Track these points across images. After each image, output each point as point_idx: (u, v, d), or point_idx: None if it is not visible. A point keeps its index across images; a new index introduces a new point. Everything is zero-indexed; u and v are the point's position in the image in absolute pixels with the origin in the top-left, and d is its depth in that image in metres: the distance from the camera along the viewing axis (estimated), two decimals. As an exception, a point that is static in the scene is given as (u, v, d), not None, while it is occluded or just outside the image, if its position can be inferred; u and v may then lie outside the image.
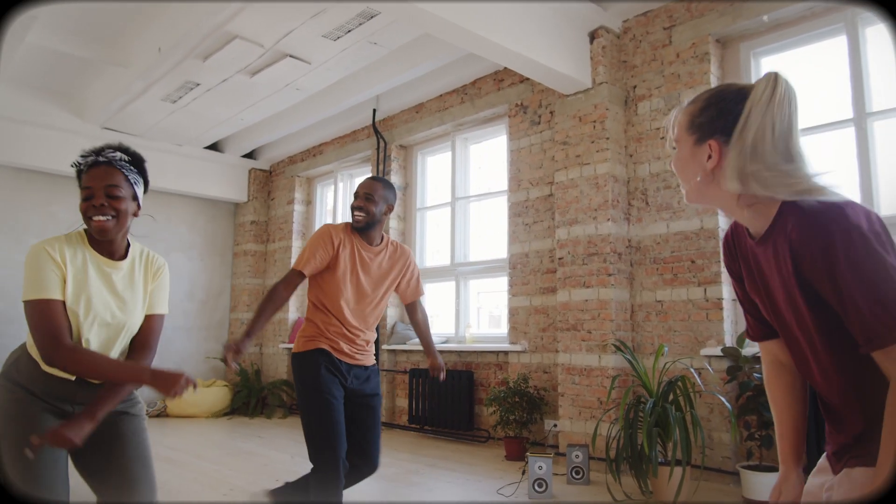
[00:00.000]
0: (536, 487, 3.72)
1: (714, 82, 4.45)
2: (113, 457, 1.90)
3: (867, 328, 1.02)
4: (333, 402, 2.61)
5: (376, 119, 6.92)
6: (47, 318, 1.76)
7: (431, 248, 6.77)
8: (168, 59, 5.33)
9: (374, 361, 2.87)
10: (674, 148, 1.27)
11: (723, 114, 1.17)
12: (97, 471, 1.91)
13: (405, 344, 6.26)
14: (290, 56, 5.44)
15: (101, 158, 1.86)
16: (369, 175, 7.30)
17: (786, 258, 1.13)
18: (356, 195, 2.82)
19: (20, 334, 1.89)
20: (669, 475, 3.47)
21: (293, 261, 8.07)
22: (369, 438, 2.74)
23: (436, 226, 6.76)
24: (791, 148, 1.14)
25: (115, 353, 1.94)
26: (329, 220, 8.04)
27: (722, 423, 4.06)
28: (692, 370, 3.91)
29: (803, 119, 1.20)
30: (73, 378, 1.87)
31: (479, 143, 6.37)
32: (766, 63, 4.45)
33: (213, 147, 8.20)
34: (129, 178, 1.89)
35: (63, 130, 6.92)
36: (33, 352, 1.87)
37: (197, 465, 4.56)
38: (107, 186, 1.82)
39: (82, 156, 1.88)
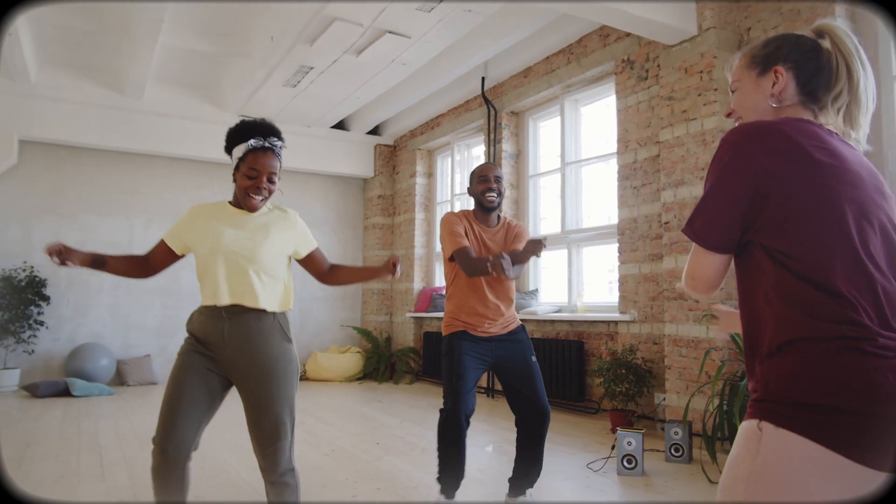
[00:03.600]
0: (625, 464, 3.57)
1: (841, 15, 3.88)
2: (255, 408, 2.11)
3: None
4: (465, 377, 2.84)
5: (486, 87, 6.85)
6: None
7: (545, 215, 6.63)
8: (280, 46, 5.65)
9: (518, 324, 3.06)
10: (733, 91, 1.33)
11: (785, 44, 1.26)
12: (246, 412, 2.14)
13: (518, 313, 6.22)
14: (390, 32, 5.52)
15: (267, 145, 2.14)
16: (482, 147, 7.28)
17: None
18: (485, 178, 3.02)
19: (183, 305, 2.21)
20: (768, 458, 3.17)
21: (417, 232, 8.30)
22: (532, 390, 2.96)
23: (548, 193, 6.60)
24: None
25: (248, 282, 2.14)
26: (449, 192, 8.13)
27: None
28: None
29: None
30: (222, 314, 2.11)
31: (588, 104, 6.09)
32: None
33: (339, 126, 8.59)
34: (281, 161, 2.21)
35: (205, 121, 7.61)
36: (201, 298, 2.19)
37: (312, 426, 4.91)
38: (269, 174, 2.15)
39: (254, 138, 2.13)
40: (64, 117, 7.01)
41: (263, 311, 2.15)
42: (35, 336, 6.84)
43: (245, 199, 2.15)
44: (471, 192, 3.10)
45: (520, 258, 2.79)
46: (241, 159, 2.13)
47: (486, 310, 2.94)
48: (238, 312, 2.12)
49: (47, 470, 3.63)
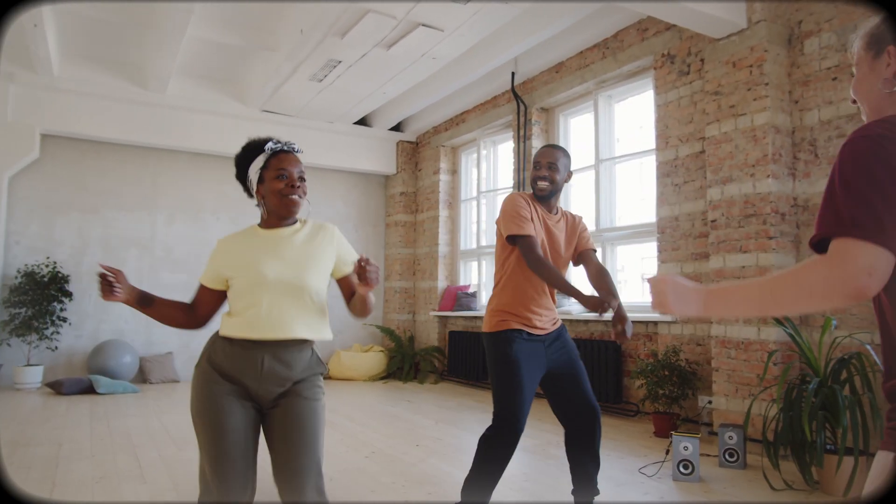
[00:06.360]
0: (682, 469, 3.46)
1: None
2: (286, 440, 1.94)
3: None
4: (523, 377, 2.63)
5: (515, 82, 6.73)
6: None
7: (576, 213, 6.49)
8: (310, 39, 5.54)
9: (560, 321, 2.85)
10: (853, 76, 1.23)
11: None
12: (273, 447, 1.97)
13: (549, 313, 6.10)
14: (423, 25, 5.41)
15: (286, 148, 2.07)
16: (511, 143, 7.16)
17: None
18: (538, 164, 2.79)
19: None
20: (838, 465, 3.05)
21: (441, 229, 8.17)
22: (584, 390, 2.76)
23: (578, 190, 6.48)
24: None
25: (295, 312, 1.97)
26: (474, 190, 8.02)
27: (910, 408, 3.50)
28: (870, 347, 3.39)
29: None
30: (264, 341, 1.93)
31: (623, 100, 5.96)
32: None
33: (362, 122, 8.49)
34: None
35: (228, 116, 7.52)
36: (223, 330, 1.99)
37: (346, 427, 4.81)
38: (300, 171, 2.05)
39: (274, 143, 2.04)
40: (87, 111, 6.92)
41: (305, 340, 2.00)
42: (58, 332, 6.75)
43: (282, 203, 1.99)
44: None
45: (583, 300, 2.52)
46: (263, 168, 2.00)
47: (543, 300, 2.74)
48: (279, 345, 1.97)
49: (86, 470, 3.54)
